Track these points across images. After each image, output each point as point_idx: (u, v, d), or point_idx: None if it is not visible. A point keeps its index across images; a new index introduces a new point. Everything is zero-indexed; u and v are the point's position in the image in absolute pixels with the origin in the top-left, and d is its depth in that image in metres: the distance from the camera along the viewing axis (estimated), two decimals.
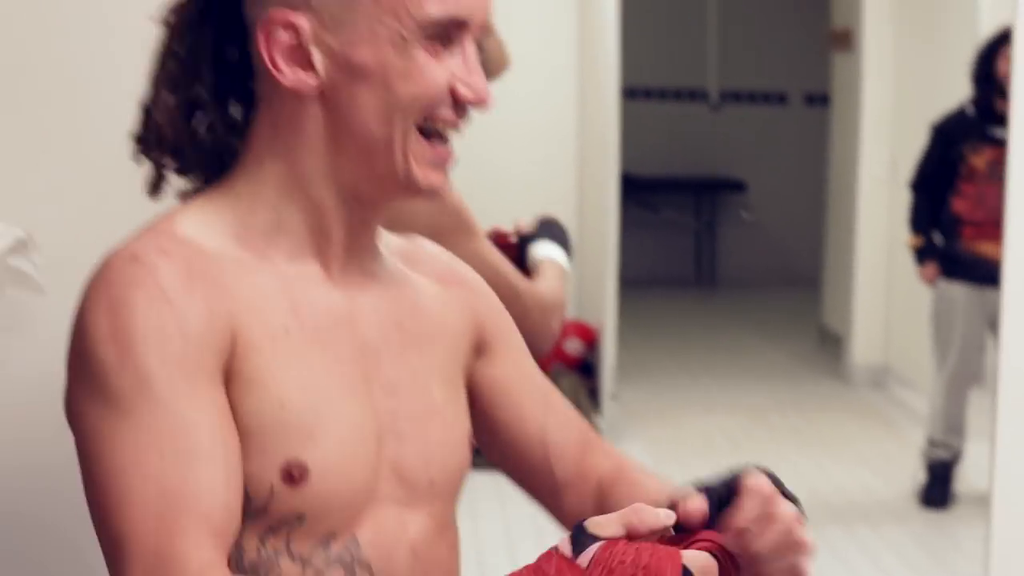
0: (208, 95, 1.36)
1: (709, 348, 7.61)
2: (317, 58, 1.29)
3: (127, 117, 1.40)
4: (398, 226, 2.55)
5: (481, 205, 5.53)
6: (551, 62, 6.47)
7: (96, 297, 1.23)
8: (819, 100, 8.85)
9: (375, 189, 1.34)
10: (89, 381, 1.20)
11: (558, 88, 6.54)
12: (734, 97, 9.33)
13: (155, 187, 1.38)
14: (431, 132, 1.32)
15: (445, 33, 1.30)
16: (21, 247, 2.08)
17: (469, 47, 1.33)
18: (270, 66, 1.30)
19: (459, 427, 1.43)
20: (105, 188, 2.12)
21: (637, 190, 8.48)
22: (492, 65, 4.00)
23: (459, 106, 1.33)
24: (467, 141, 4.92)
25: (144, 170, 1.39)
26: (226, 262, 1.29)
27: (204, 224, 1.31)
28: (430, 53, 1.30)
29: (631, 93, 8.31)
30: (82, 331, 1.22)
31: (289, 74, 1.30)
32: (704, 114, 9.31)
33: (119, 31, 2.36)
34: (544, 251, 2.63)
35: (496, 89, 4.64)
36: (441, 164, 1.34)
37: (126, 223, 1.42)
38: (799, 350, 7.54)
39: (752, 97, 9.36)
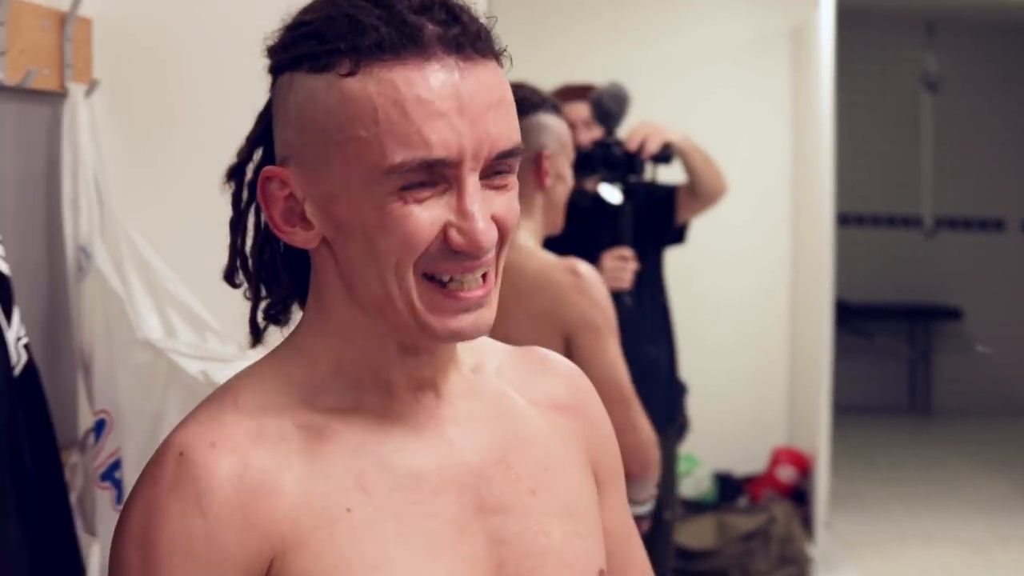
0: (261, 247, 1.29)
1: (925, 478, 7.44)
2: (310, 211, 1.19)
3: None
4: (549, 319, 2.68)
5: (693, 329, 5.58)
6: (765, 188, 6.51)
7: (138, 491, 1.17)
8: None
9: (407, 338, 1.21)
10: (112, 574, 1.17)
11: (772, 214, 6.56)
12: (949, 223, 9.21)
13: (254, 330, 1.31)
14: (443, 280, 1.18)
15: (428, 177, 1.14)
16: None
17: (468, 184, 1.15)
18: (271, 225, 1.22)
19: (582, 564, 1.30)
20: None
21: (850, 316, 8.40)
22: (709, 191, 4.08)
23: (456, 253, 1.16)
24: (682, 265, 4.98)
25: None
26: (288, 439, 1.19)
27: (270, 389, 1.22)
28: (410, 200, 1.14)
29: (845, 219, 8.27)
30: (120, 523, 1.18)
31: (289, 231, 1.21)
32: (918, 240, 9.20)
33: None
34: None
35: (712, 215, 4.70)
36: (465, 308, 1.18)
37: None
38: (1020, 481, 7.32)
39: (967, 224, 9.22)
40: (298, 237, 1.20)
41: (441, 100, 1.13)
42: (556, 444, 1.33)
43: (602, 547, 1.33)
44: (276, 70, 1.21)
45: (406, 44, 1.13)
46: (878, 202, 9.14)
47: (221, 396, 1.23)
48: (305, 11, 1.20)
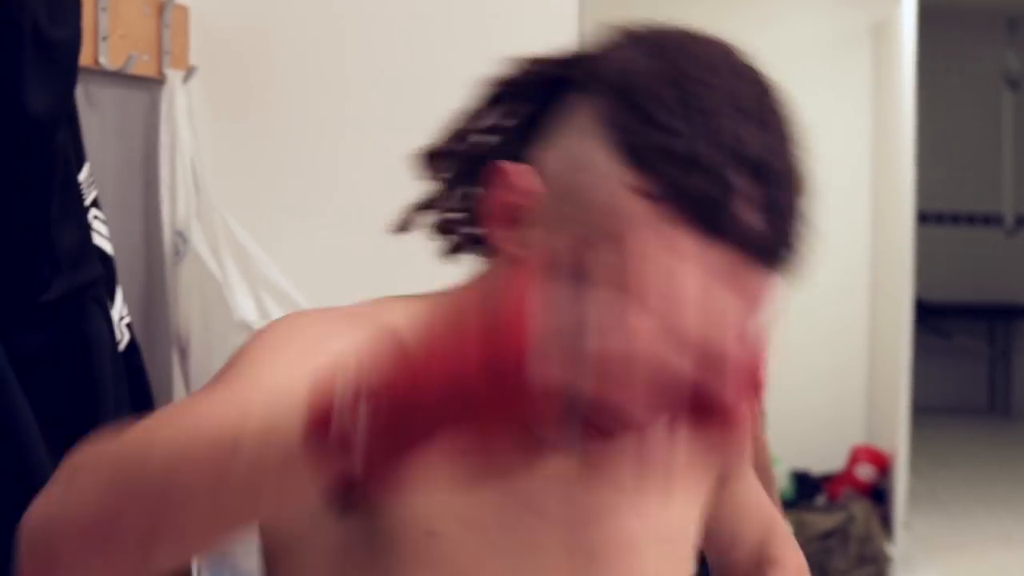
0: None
1: (1005, 479, 7.36)
2: (528, 237, 1.01)
3: None
4: None
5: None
6: (845, 185, 6.46)
7: None
8: None
9: None
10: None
11: (852, 212, 6.52)
12: None
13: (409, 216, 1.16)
14: None
15: None
16: None
17: None
18: (476, 207, 1.08)
19: None
20: None
21: (930, 315, 8.33)
22: None
23: None
24: None
25: None
26: None
27: (413, 319, 1.09)
28: None
29: (924, 217, 8.20)
30: None
31: (491, 226, 1.03)
32: (999, 239, 9.10)
33: None
34: None
35: None
36: None
37: None
38: None
39: None
40: (496, 239, 1.03)
41: None
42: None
43: (691, 567, 1.26)
44: (583, 79, 1.02)
45: (707, 230, 0.94)
46: (958, 200, 9.06)
47: (369, 307, 1.12)
48: (664, 52, 1.02)
